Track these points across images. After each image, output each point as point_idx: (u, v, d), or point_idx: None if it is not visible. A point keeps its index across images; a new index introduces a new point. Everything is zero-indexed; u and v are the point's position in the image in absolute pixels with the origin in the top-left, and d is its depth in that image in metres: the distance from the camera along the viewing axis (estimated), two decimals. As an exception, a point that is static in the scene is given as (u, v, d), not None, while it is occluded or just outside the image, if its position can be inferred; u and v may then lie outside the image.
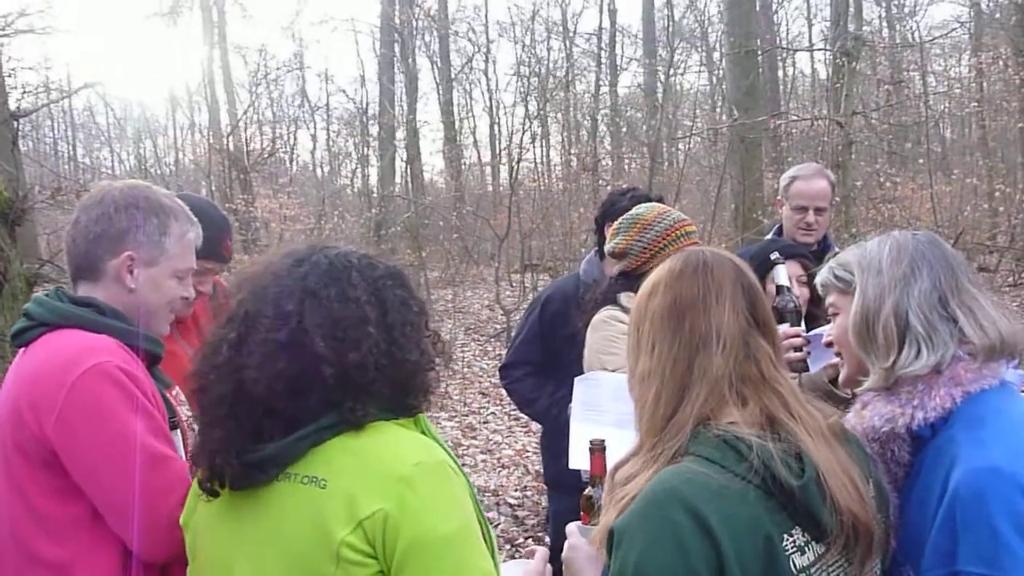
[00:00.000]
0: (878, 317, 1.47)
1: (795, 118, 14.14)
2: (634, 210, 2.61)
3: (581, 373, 2.47)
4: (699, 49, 22.77)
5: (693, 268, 1.41)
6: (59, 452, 1.60)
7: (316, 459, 1.33)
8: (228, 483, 1.37)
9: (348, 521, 1.27)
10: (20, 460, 1.63)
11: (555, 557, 1.58)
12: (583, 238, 12.86)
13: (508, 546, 4.95)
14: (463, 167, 20.47)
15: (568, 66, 20.82)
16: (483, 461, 6.61)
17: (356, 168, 22.53)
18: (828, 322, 1.73)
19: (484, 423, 7.77)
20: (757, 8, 13.62)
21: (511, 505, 5.63)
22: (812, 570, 1.25)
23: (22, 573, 1.64)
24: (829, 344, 1.69)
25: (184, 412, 1.85)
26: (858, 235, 8.25)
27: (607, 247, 2.67)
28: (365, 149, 21.16)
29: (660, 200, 3.02)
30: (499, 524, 5.29)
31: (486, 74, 22.97)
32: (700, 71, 22.68)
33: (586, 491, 1.74)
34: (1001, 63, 13.53)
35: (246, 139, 18.79)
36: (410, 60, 20.71)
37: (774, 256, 2.56)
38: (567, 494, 2.48)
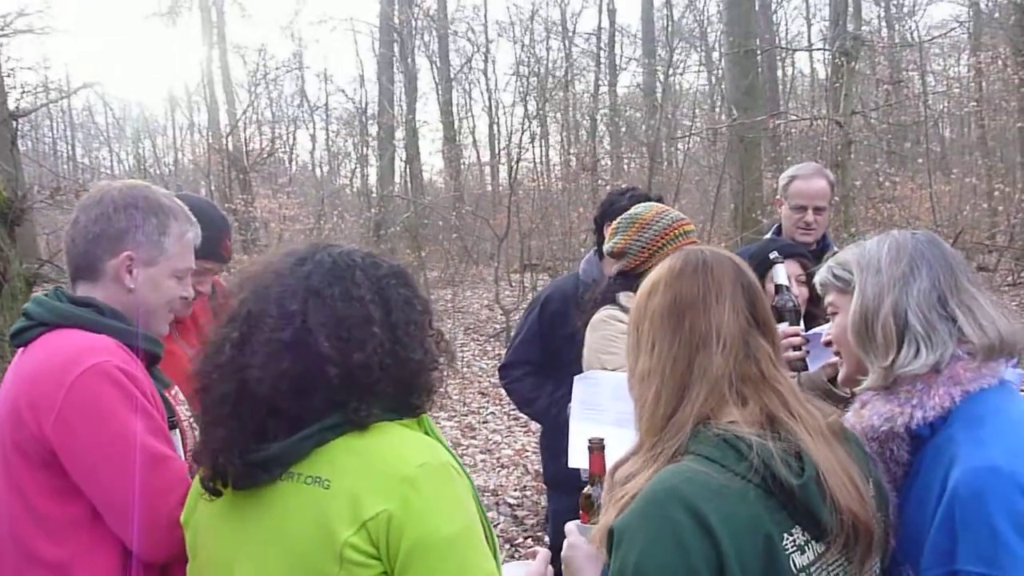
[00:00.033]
0: (877, 316, 1.47)
1: (794, 118, 14.12)
2: (633, 209, 2.62)
3: (580, 372, 2.47)
4: (698, 49, 22.79)
5: (693, 267, 1.41)
6: (58, 452, 1.60)
7: (320, 459, 1.32)
8: (231, 482, 1.37)
9: (352, 522, 1.27)
10: (19, 460, 1.63)
11: (555, 557, 1.58)
12: (582, 238, 12.85)
13: (507, 546, 4.96)
14: (462, 167, 20.44)
15: (567, 66, 20.81)
16: (482, 461, 6.61)
17: (355, 168, 22.58)
18: (827, 321, 1.73)
19: (483, 423, 7.76)
20: (756, 8, 13.63)
21: (510, 505, 5.63)
22: (812, 569, 1.25)
23: (21, 573, 1.64)
24: (828, 343, 1.69)
25: (183, 412, 1.85)
26: (857, 234, 8.26)
27: (606, 246, 2.67)
28: (364, 149, 21.18)
29: (659, 200, 3.02)
30: (498, 524, 5.29)
31: (485, 74, 23.07)
32: (699, 71, 22.71)
33: (585, 490, 1.73)
34: (1000, 63, 13.54)
35: (245, 139, 18.78)
36: (409, 60, 20.71)
37: (773, 255, 2.56)
38: (566, 493, 2.47)
